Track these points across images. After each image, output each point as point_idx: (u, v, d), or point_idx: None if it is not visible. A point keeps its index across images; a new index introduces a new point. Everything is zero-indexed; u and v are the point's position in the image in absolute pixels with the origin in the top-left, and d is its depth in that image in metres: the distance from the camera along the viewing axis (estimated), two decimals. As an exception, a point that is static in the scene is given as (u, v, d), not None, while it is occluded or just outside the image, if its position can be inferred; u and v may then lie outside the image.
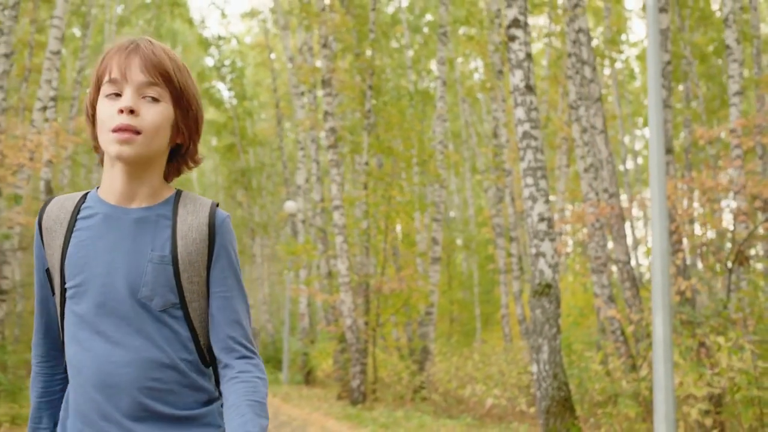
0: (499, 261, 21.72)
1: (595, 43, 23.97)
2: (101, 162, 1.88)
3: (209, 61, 36.63)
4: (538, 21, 26.19)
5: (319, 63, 20.99)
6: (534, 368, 8.85)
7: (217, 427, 1.84)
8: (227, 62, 34.02)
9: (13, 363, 12.17)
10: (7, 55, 13.66)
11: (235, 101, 33.58)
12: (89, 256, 1.78)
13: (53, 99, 15.47)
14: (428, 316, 17.34)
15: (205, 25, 40.34)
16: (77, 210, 1.85)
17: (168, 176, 1.89)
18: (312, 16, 15.98)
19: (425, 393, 15.12)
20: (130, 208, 1.81)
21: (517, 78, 8.98)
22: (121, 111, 1.72)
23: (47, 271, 1.86)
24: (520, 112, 8.95)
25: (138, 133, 1.73)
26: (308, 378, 21.96)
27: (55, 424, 1.92)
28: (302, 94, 23.35)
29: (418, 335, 18.14)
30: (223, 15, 44.69)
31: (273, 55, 33.23)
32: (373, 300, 16.15)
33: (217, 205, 1.87)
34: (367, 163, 16.80)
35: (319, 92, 21.20)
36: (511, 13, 9.06)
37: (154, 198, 1.83)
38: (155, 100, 1.76)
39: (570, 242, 24.71)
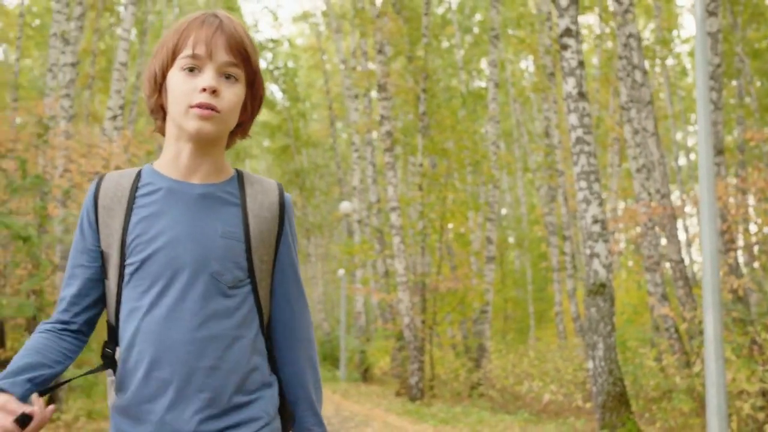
0: (552, 259, 21.95)
1: (646, 40, 24.05)
2: (159, 131, 1.90)
3: (262, 64, 37.38)
4: (588, 19, 26.33)
5: (372, 66, 21.48)
6: (590, 365, 9.18)
7: (266, 414, 1.80)
8: (280, 64, 34.67)
9: (87, 359, 12.78)
10: (73, 64, 14.32)
11: (288, 103, 34.17)
12: (152, 232, 1.76)
13: (121, 107, 16.14)
14: (483, 314, 17.68)
15: (258, 28, 41.08)
16: (135, 187, 1.82)
17: (227, 145, 1.90)
18: (367, 23, 16.44)
19: (482, 389, 15.48)
20: (194, 183, 1.81)
21: (569, 85, 9.31)
22: (204, 90, 1.73)
23: (101, 252, 1.82)
24: (573, 119, 9.28)
25: (218, 111, 1.74)
26: (365, 375, 22.44)
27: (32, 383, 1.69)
28: (356, 97, 23.82)
29: (472, 333, 18.50)
30: (275, 17, 45.46)
31: (325, 57, 33.76)
32: (430, 299, 16.54)
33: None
34: (421, 165, 17.21)
35: (374, 95, 21.67)
36: (563, 23, 9.39)
37: (217, 175, 1.84)
38: (235, 80, 1.78)
39: (623, 241, 24.79)
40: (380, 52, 16.31)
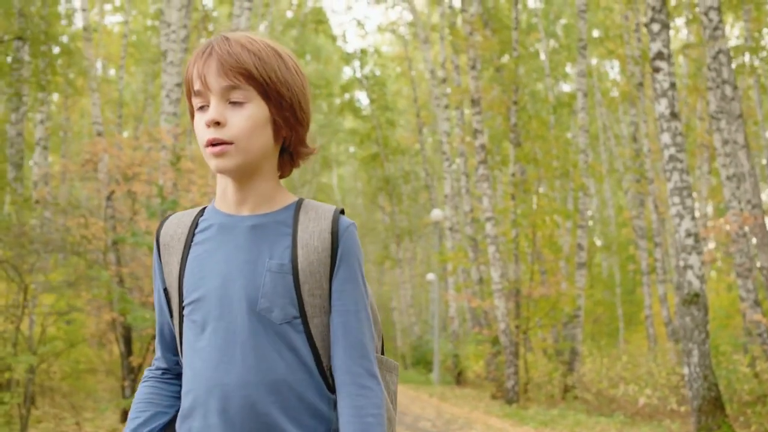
0: (642, 262, 22.21)
1: (735, 38, 24.05)
2: None
3: (351, 72, 38.42)
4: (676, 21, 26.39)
5: (457, 75, 22.15)
6: (685, 370, 9.68)
7: None
8: (367, 71, 35.56)
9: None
10: (179, 84, 15.37)
11: (375, 111, 34.98)
12: (206, 269, 1.69)
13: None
14: (575, 318, 18.15)
15: (346, 39, 42.10)
16: (195, 224, 1.77)
17: (282, 173, 1.78)
18: (460, 40, 17.12)
19: (577, 392, 15.99)
20: (245, 215, 1.72)
21: (662, 106, 9.83)
22: (208, 124, 1.64)
23: (165, 291, 1.78)
24: (666, 138, 9.81)
25: (230, 143, 1.64)
26: (459, 378, 23.10)
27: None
28: (446, 107, 24.50)
29: (563, 336, 19.00)
30: (360, 25, 46.39)
31: (413, 71, 34.49)
32: (524, 304, 17.12)
33: (342, 212, 1.73)
34: (513, 175, 17.81)
35: (467, 110, 22.35)
36: (655, 47, 9.91)
37: (271, 204, 1.73)
38: (241, 103, 1.65)
39: (712, 241, 24.86)
40: (473, 67, 16.97)
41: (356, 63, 35.78)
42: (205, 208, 1.80)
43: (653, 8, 9.96)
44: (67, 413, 12.50)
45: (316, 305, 1.67)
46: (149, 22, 31.62)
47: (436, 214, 23.78)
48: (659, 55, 9.88)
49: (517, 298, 17.13)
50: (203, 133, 1.65)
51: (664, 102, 9.83)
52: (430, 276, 36.26)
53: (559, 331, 19.84)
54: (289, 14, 36.18)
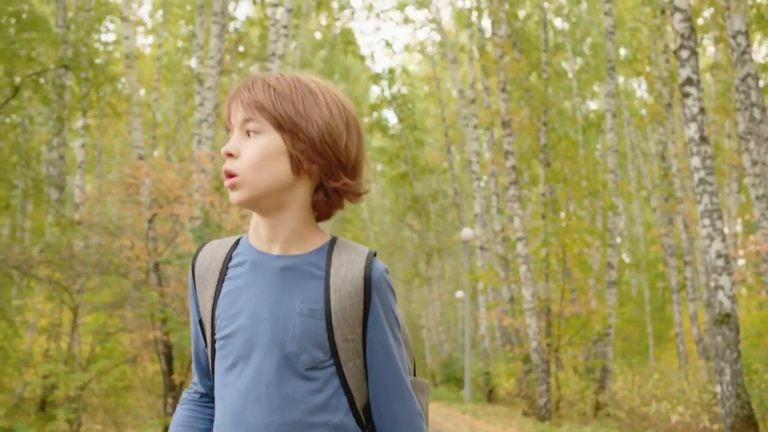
0: (671, 280, 22.32)
1: (761, 57, 24.14)
2: None
3: (378, 91, 38.87)
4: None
5: (485, 98, 22.47)
6: (718, 389, 9.88)
7: None
8: (395, 89, 35.96)
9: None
10: (215, 108, 15.80)
11: (404, 130, 35.32)
12: (237, 306, 1.69)
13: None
14: (606, 336, 18.32)
15: (374, 59, 42.58)
16: (229, 257, 1.75)
17: (319, 216, 1.75)
18: (490, 63, 17.46)
19: (609, 410, 16.16)
20: (276, 255, 1.70)
21: (692, 130, 10.08)
22: (225, 156, 1.67)
23: (200, 321, 1.78)
24: (695, 161, 10.05)
25: (238, 175, 1.65)
26: (490, 396, 23.29)
27: None
28: (475, 127, 24.81)
29: (593, 354, 19.17)
30: (388, 45, 46.86)
31: (441, 90, 34.85)
32: (555, 323, 17.33)
33: (375, 254, 1.71)
34: (543, 194, 18.06)
35: (496, 130, 22.64)
36: (684, 73, 10.17)
37: (302, 244, 1.70)
38: (255, 135, 1.65)
39: (743, 262, 24.89)
40: (503, 90, 17.28)
41: (384, 83, 36.23)
42: (239, 240, 1.78)
43: (682, 35, 10.22)
44: (111, 430, 12.89)
45: (350, 349, 1.66)
46: (179, 44, 32.24)
47: (467, 233, 24.03)
48: (688, 81, 10.13)
49: (548, 317, 17.34)
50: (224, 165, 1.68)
51: (693, 126, 10.07)
52: (459, 293, 36.57)
53: (590, 349, 20.01)
54: (318, 35, 36.69)
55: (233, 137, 1.66)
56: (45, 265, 10.07)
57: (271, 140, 1.63)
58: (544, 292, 17.81)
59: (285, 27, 15.04)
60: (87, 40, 14.13)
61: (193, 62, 20.17)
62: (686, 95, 10.15)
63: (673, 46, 10.62)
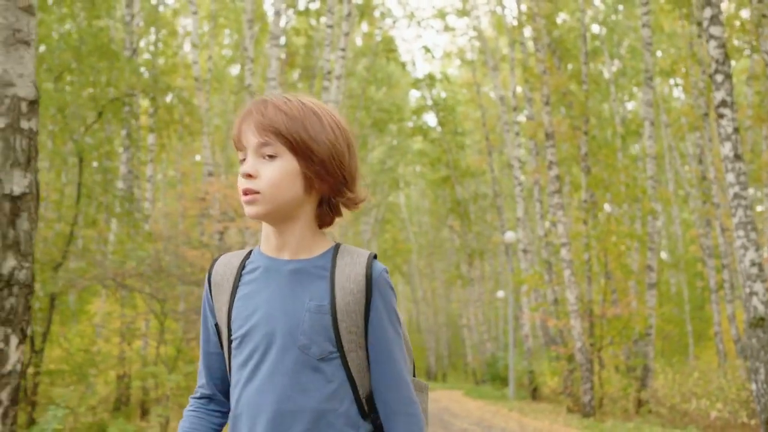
0: (710, 280, 22.92)
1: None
2: None
3: (417, 95, 39.78)
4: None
5: (528, 108, 23.33)
6: (753, 387, 10.74)
7: None
8: (435, 94, 36.82)
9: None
10: None
11: (445, 135, 36.14)
12: (252, 308, 1.85)
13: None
14: (647, 336, 19.13)
15: (415, 66, 43.43)
16: (242, 266, 1.92)
17: (321, 224, 1.91)
18: (534, 78, 18.37)
19: (650, 406, 17.01)
20: (286, 259, 1.87)
21: (726, 149, 10.93)
22: (243, 176, 1.81)
23: (216, 326, 1.94)
24: (730, 177, 10.90)
25: (259, 192, 1.79)
26: (534, 393, 24.18)
27: None
28: (517, 134, 25.66)
29: (634, 353, 20.00)
30: (427, 50, 47.68)
31: (480, 94, 35.63)
32: (597, 324, 18.20)
33: (375, 257, 1.89)
34: (585, 201, 18.93)
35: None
36: (719, 96, 11.02)
37: (309, 249, 1.88)
38: (272, 157, 1.80)
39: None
40: (546, 103, 18.18)
41: (424, 88, 37.09)
42: (251, 251, 1.96)
43: (717, 61, 11.08)
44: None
45: (353, 341, 1.83)
46: (225, 52, 33.31)
47: (509, 236, 24.87)
48: (723, 104, 10.98)
49: (590, 318, 18.21)
50: (240, 183, 1.82)
51: (728, 145, 10.92)
52: (500, 293, 37.40)
53: (630, 348, 20.79)
54: (359, 42, 37.57)
55: (250, 159, 1.82)
56: (137, 278, 11.14)
57: (287, 163, 1.80)
58: (586, 294, 18.68)
59: (343, 50, 16.03)
60: (161, 66, 15.20)
61: (237, 70, 21.09)
62: (721, 116, 10.99)
63: (709, 72, 11.45)
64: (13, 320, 4.25)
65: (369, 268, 1.84)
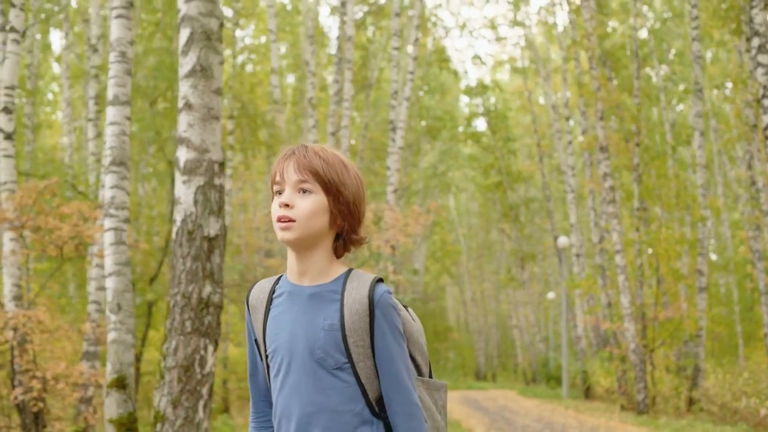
0: (759, 282, 23.51)
1: None
2: None
3: (469, 101, 40.67)
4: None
5: (582, 120, 24.26)
6: (798, 386, 11.71)
7: None
8: (483, 99, 37.72)
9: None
10: (333, 134, 18.01)
11: (497, 141, 37.02)
12: (279, 327, 2.13)
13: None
14: (698, 338, 20.03)
15: (467, 74, 44.36)
16: (273, 291, 2.20)
17: (337, 254, 2.16)
18: (588, 95, 19.38)
19: (702, 405, 17.95)
20: (306, 285, 2.13)
21: (773, 168, 11.91)
22: (281, 205, 2.06)
23: (256, 341, 2.23)
24: (777, 194, 11.88)
25: (294, 220, 2.04)
26: (587, 393, 25.15)
27: None
28: (569, 142, 26.62)
29: (684, 354, 20.91)
30: (478, 58, 48.58)
31: (531, 100, 36.45)
32: (649, 326, 19.20)
33: (380, 280, 2.13)
34: (638, 209, 19.89)
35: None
36: (766, 119, 12.01)
37: (326, 276, 2.13)
38: (307, 192, 2.06)
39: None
40: (601, 118, 19.18)
41: (476, 95, 38.03)
42: (280, 278, 2.22)
43: (764, 87, 12.07)
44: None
45: (361, 353, 2.08)
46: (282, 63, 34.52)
47: (563, 241, 25.76)
48: (770, 126, 11.97)
49: (643, 321, 19.20)
50: (276, 211, 2.07)
51: (775, 164, 11.91)
52: (551, 295, 38.31)
53: (681, 349, 21.62)
54: (411, 49, 38.50)
55: (288, 192, 2.07)
56: (237, 288, 12.41)
57: (320, 199, 2.07)
58: (638, 298, 19.64)
59: (411, 72, 17.19)
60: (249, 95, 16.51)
61: (308, 89, 22.21)
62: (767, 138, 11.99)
63: (757, 97, 12.40)
64: (210, 333, 5.49)
65: (371, 291, 2.09)
